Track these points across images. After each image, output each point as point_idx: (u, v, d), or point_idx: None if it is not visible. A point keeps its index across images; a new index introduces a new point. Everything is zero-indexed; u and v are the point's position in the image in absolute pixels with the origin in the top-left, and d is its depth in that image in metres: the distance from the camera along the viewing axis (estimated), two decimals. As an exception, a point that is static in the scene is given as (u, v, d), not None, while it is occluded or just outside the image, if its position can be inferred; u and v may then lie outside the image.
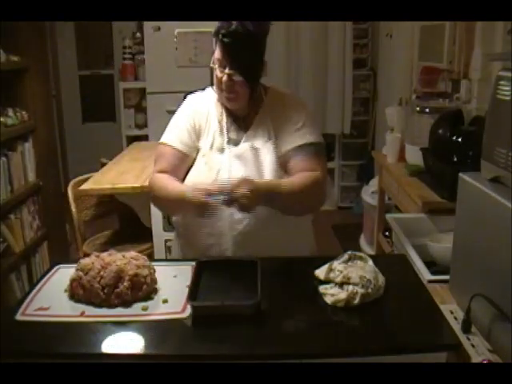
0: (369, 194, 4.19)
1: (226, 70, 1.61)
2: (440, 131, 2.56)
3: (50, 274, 1.56)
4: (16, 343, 1.23)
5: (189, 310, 1.30)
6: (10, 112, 3.28)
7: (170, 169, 1.71)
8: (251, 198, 1.48)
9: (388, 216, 2.45)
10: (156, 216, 2.93)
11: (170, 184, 1.66)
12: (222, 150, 1.70)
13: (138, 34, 5.08)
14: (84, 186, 2.87)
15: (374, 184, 4.15)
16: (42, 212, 3.64)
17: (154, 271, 1.44)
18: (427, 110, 3.02)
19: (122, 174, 2.94)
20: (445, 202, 2.38)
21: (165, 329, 1.26)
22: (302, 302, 1.38)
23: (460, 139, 2.42)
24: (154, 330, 1.26)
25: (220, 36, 1.58)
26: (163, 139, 1.76)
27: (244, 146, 1.70)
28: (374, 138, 5.33)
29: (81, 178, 3.08)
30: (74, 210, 2.93)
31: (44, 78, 3.66)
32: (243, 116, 1.75)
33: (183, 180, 1.71)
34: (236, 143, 1.71)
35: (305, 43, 5.06)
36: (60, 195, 3.78)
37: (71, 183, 3.04)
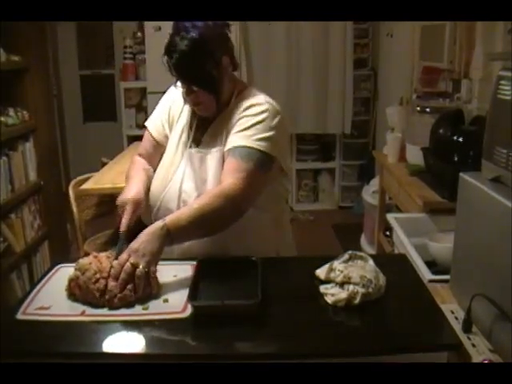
0: (369, 194, 4.19)
1: (183, 85, 1.62)
2: (441, 131, 2.56)
3: (51, 273, 1.56)
4: (16, 343, 1.23)
5: (189, 310, 1.30)
6: (11, 112, 3.28)
7: (146, 155, 1.82)
8: (144, 264, 1.39)
9: (389, 216, 2.44)
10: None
11: (130, 176, 1.75)
12: (184, 148, 1.71)
13: (139, 34, 5.09)
14: (85, 186, 2.88)
15: (374, 184, 4.16)
16: (42, 211, 3.65)
17: (155, 271, 1.44)
18: (428, 109, 3.03)
19: (123, 173, 2.90)
20: (445, 201, 2.38)
21: (165, 328, 1.26)
22: (303, 302, 1.38)
23: (461, 139, 2.42)
24: (154, 329, 1.26)
25: (167, 58, 1.58)
26: (146, 122, 1.84)
27: (195, 150, 1.68)
28: (375, 137, 5.33)
29: (82, 177, 3.08)
30: (74, 209, 2.93)
31: (45, 77, 3.66)
32: (211, 117, 1.71)
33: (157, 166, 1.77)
34: (198, 144, 1.71)
35: (305, 43, 5.06)
36: (61, 195, 3.79)
37: (72, 183, 3.04)
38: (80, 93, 5.94)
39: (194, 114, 1.74)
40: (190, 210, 1.50)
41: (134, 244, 1.43)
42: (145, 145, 1.84)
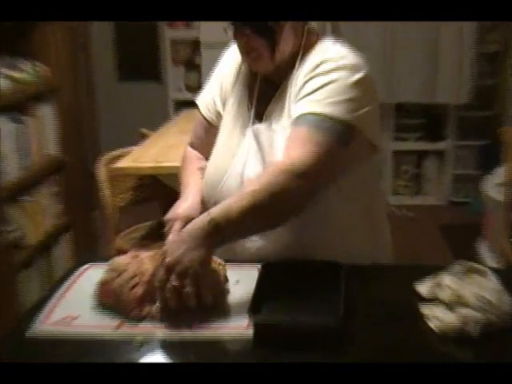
0: (493, 187, 4.12)
1: (232, 28, 1.64)
2: None
3: (77, 273, 1.61)
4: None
5: (255, 326, 1.33)
6: (26, 65, 3.31)
7: (199, 144, 1.94)
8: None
9: (519, 216, 2.41)
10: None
11: (184, 182, 1.86)
12: (245, 127, 1.74)
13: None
14: (120, 164, 2.95)
15: (500, 173, 4.08)
16: (64, 195, 3.75)
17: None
18: None
19: (169, 149, 3.00)
20: None
21: (224, 348, 1.30)
22: (397, 325, 1.38)
23: None
24: (210, 348, 1.29)
25: None
26: (197, 98, 1.93)
27: (261, 127, 1.70)
28: (505, 109, 5.21)
29: (116, 153, 3.17)
30: (106, 193, 3.01)
31: (69, 22, 3.71)
32: (276, 83, 1.72)
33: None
34: (261, 119, 1.73)
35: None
36: (88, 174, 3.89)
37: (103, 159, 3.12)
38: (114, 43, 6.06)
39: (253, 80, 1.78)
40: (241, 195, 1.51)
41: (173, 253, 1.40)
42: (196, 129, 1.94)
